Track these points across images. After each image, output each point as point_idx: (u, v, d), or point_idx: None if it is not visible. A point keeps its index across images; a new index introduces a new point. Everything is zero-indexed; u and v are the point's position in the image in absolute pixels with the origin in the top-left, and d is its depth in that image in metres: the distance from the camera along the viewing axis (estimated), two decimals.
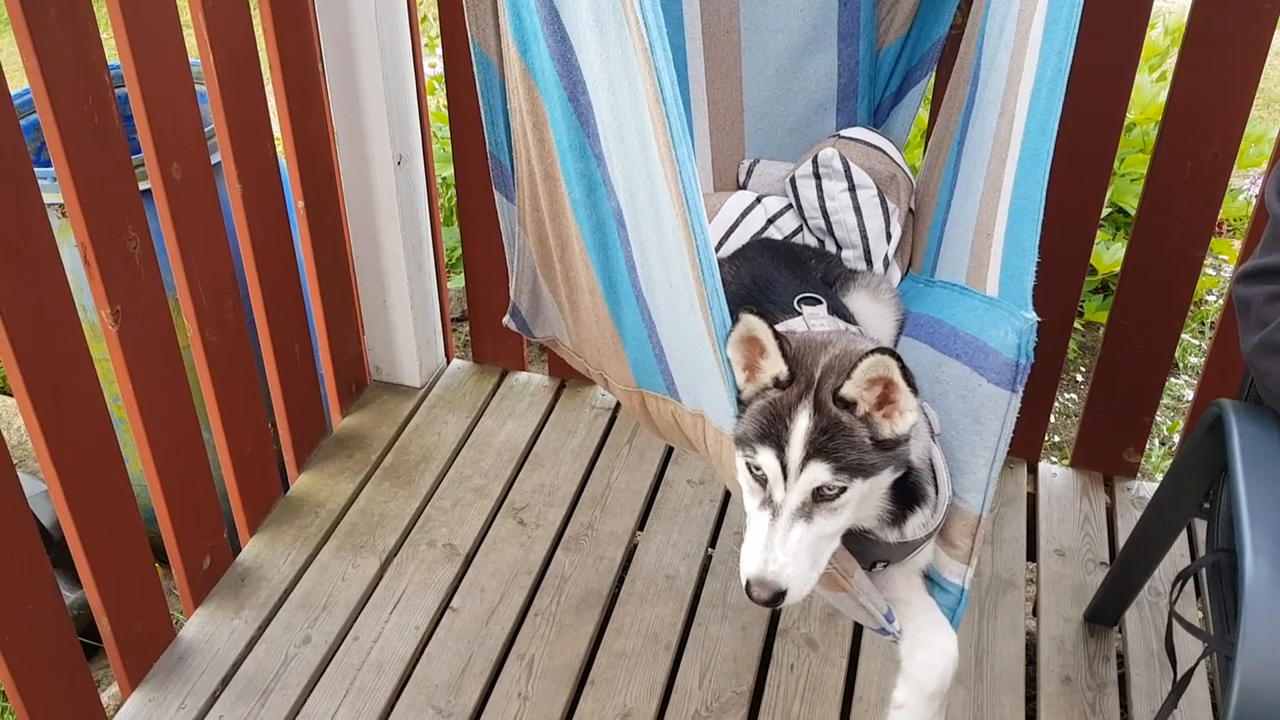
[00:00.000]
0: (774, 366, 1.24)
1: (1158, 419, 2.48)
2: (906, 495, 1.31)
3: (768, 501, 1.22)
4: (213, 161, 2.04)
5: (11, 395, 2.70)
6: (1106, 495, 2.43)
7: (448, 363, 2.84)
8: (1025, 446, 2.51)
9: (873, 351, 1.17)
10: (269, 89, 2.18)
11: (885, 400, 1.21)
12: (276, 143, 2.25)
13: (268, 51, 2.17)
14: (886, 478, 1.25)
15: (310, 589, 2.22)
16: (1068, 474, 2.48)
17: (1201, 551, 2.26)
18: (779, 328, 1.33)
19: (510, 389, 2.75)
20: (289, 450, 2.48)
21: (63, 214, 2.00)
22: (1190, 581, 1.86)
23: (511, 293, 1.84)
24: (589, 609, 2.17)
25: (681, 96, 1.90)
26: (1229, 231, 3.69)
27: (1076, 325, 3.00)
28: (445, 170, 3.27)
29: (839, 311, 1.54)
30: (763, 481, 1.23)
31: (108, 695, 2.18)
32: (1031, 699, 2.03)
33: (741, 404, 1.28)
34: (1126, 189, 3.26)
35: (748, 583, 1.20)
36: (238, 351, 2.18)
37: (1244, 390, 1.63)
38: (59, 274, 1.70)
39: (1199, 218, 2.13)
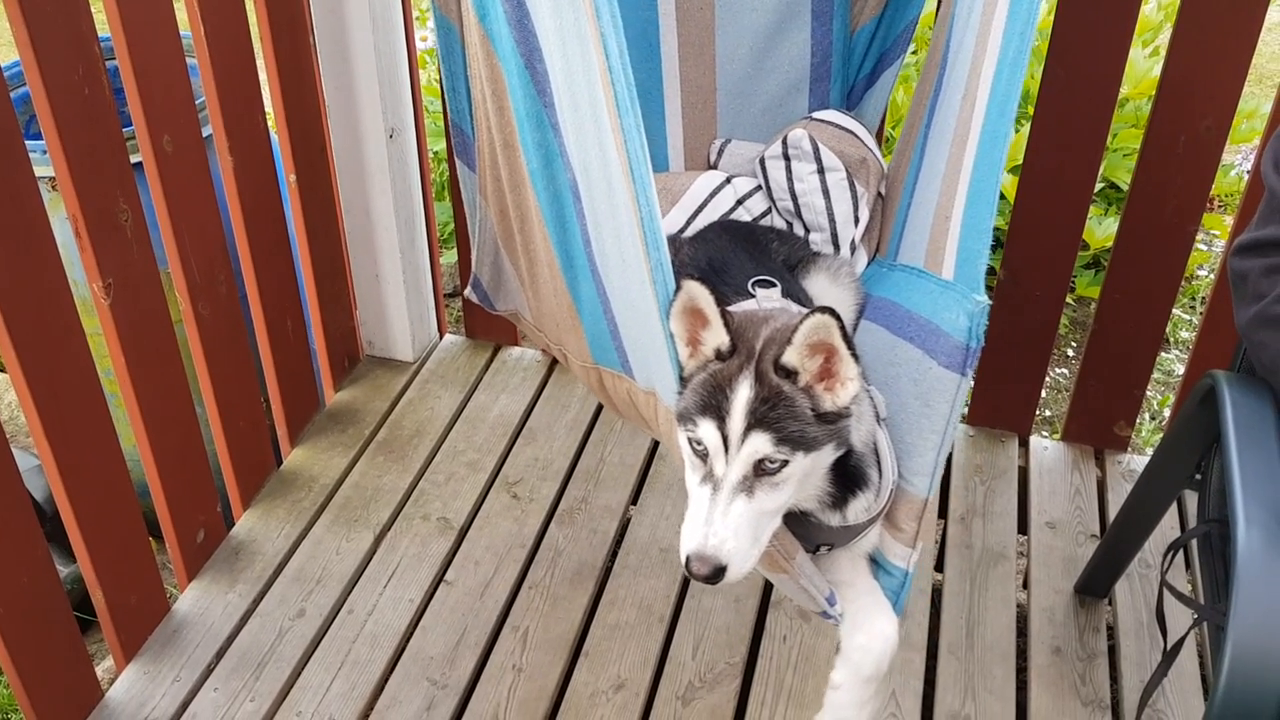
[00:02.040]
0: (716, 337, 1.23)
1: (1147, 393, 2.49)
2: (849, 479, 1.30)
3: (709, 476, 1.20)
4: (204, 134, 2.03)
5: (3, 370, 2.70)
6: (1097, 469, 2.45)
7: (440, 337, 2.84)
8: (1017, 420, 2.52)
9: (814, 311, 1.15)
10: (260, 61, 2.17)
11: (827, 373, 1.21)
12: (268, 115, 2.24)
13: (258, 23, 2.16)
14: (828, 454, 1.24)
15: (304, 563, 2.22)
16: (1059, 447, 2.50)
17: (1191, 524, 2.28)
18: (740, 309, 1.32)
19: (503, 364, 2.75)
20: (282, 424, 2.47)
21: (52, 187, 1.99)
22: (1179, 553, 1.87)
23: (473, 264, 1.84)
24: (583, 581, 2.18)
25: (654, 73, 1.92)
26: (1219, 207, 3.70)
27: (1068, 300, 3.01)
28: (437, 144, 3.26)
29: (794, 295, 1.53)
30: (704, 456, 1.21)
31: (102, 669, 2.18)
32: (1022, 670, 2.04)
33: (684, 380, 1.27)
34: (1119, 164, 3.26)
35: (687, 559, 1.18)
36: (230, 325, 2.17)
37: (1236, 363, 1.64)
38: (51, 247, 1.69)
39: (1192, 192, 2.14)
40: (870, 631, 1.37)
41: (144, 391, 1.95)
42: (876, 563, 1.45)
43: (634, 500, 2.38)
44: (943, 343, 1.31)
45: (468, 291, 1.88)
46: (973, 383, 2.70)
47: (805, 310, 1.26)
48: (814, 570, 1.37)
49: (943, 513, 2.35)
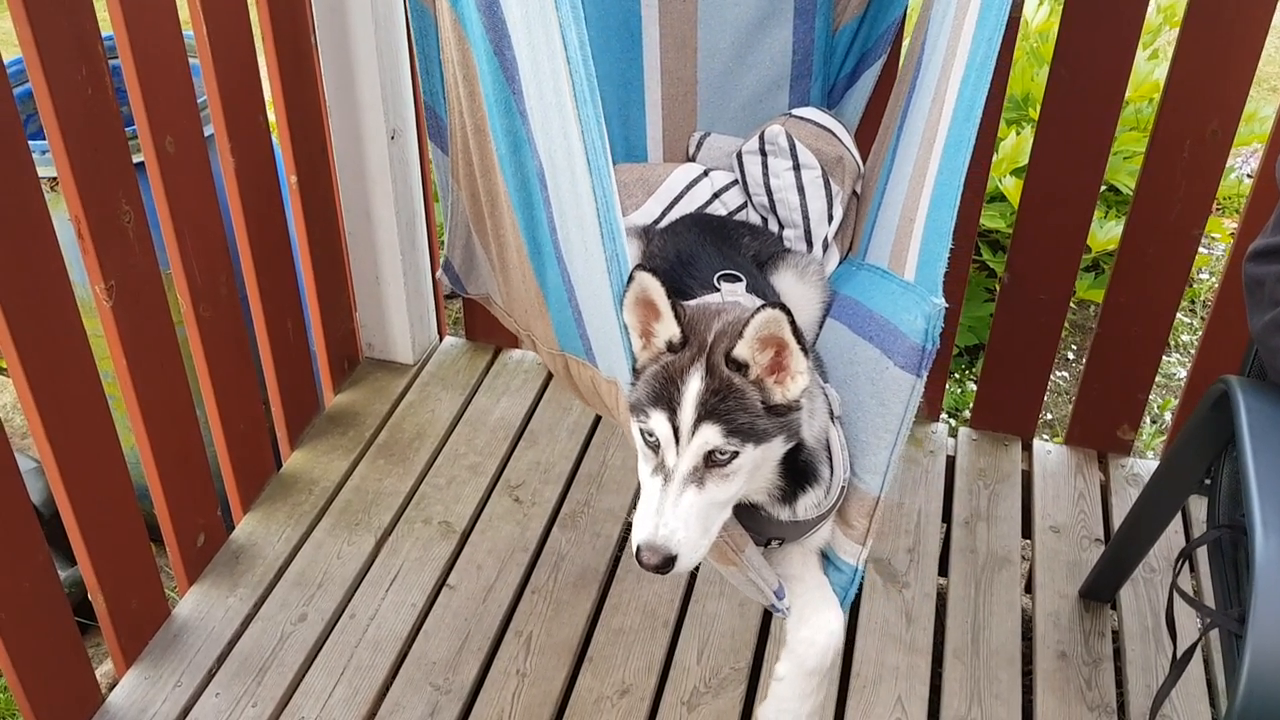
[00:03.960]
0: (668, 329, 1.24)
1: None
2: (800, 474, 1.31)
3: (660, 467, 1.22)
4: (206, 134, 2.02)
5: (3, 372, 2.68)
6: (1101, 472, 2.44)
7: (440, 339, 2.82)
8: (1020, 424, 2.51)
9: (764, 307, 1.17)
10: (262, 62, 2.16)
11: (778, 366, 1.22)
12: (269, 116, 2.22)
13: (260, 23, 2.14)
14: (778, 447, 1.25)
15: (305, 566, 2.20)
16: (1062, 451, 2.49)
17: (1195, 530, 2.28)
18: (694, 303, 1.34)
19: (504, 366, 2.74)
20: (282, 427, 2.46)
21: (52, 188, 1.97)
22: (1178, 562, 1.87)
23: (445, 247, 1.84)
24: (586, 586, 2.16)
25: (634, 64, 1.92)
26: (1217, 210, 3.71)
27: None
28: None
29: (760, 290, 1.54)
30: (655, 447, 1.23)
31: (100, 672, 2.16)
32: (1028, 674, 2.04)
33: (637, 372, 1.28)
34: (1119, 167, 3.26)
35: (638, 548, 1.20)
36: (231, 327, 2.16)
37: (1246, 367, 1.64)
38: (53, 248, 1.68)
39: (1197, 196, 2.13)
40: (815, 625, 1.39)
41: (145, 394, 1.93)
42: (827, 559, 1.46)
43: (635, 505, 2.36)
44: (900, 343, 1.32)
45: (439, 274, 1.89)
46: (975, 386, 2.71)
47: (758, 304, 1.27)
48: (763, 563, 1.39)
49: (946, 517, 2.34)
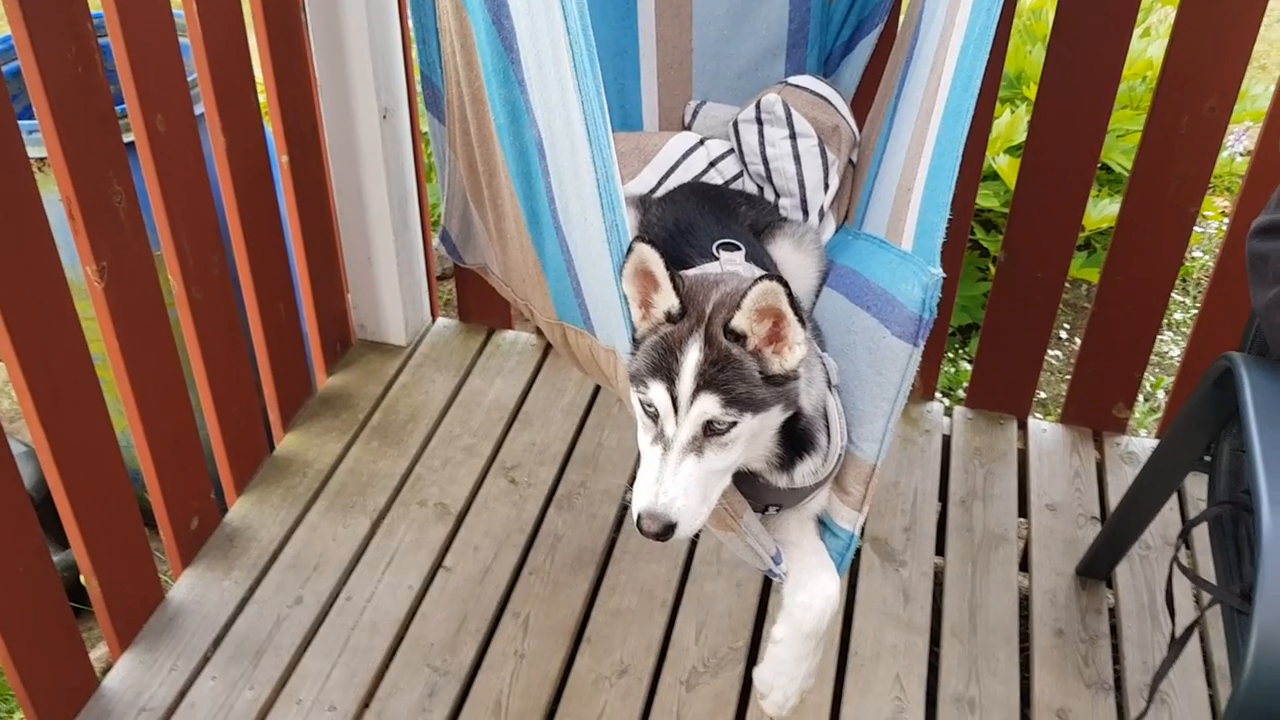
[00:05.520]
0: (666, 300, 1.25)
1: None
2: (797, 442, 1.32)
3: (659, 437, 1.23)
4: (196, 114, 1.99)
5: None
6: (1096, 450, 2.45)
7: (433, 321, 2.81)
8: (1015, 403, 2.51)
9: (762, 279, 1.17)
10: (252, 41, 2.13)
11: (775, 337, 1.22)
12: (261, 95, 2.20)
13: (250, 1, 2.12)
14: (776, 416, 1.26)
15: (300, 549, 2.19)
16: (1058, 430, 2.49)
17: (1192, 509, 2.28)
18: (692, 272, 1.34)
19: (497, 347, 2.72)
20: (274, 410, 2.44)
21: (41, 168, 1.95)
22: (1181, 536, 1.87)
23: (442, 217, 1.83)
24: (583, 567, 2.16)
25: (630, 32, 1.91)
26: (1210, 189, 3.70)
27: None
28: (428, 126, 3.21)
29: (758, 259, 1.54)
30: (654, 417, 1.24)
31: (95, 656, 2.14)
32: (1025, 652, 2.04)
33: (636, 342, 1.29)
34: (1113, 145, 3.25)
35: (639, 516, 1.21)
36: (223, 308, 2.14)
37: (1246, 344, 1.63)
38: (44, 229, 1.66)
39: (1194, 173, 2.13)
40: (812, 590, 1.40)
41: (137, 376, 1.92)
42: (824, 525, 1.47)
43: (633, 484, 2.35)
44: (897, 313, 1.33)
45: (436, 244, 1.88)
46: (969, 365, 2.71)
47: (757, 274, 1.28)
48: (760, 530, 1.40)
49: (942, 496, 2.34)
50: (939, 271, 1.26)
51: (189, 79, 1.95)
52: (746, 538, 1.37)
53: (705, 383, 1.20)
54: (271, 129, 2.28)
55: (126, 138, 1.83)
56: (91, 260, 1.77)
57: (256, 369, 2.37)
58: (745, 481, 1.36)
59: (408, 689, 1.94)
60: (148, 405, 1.95)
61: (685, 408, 1.21)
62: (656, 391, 1.22)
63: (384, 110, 2.39)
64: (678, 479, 1.20)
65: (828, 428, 1.36)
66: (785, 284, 1.17)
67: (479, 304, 2.75)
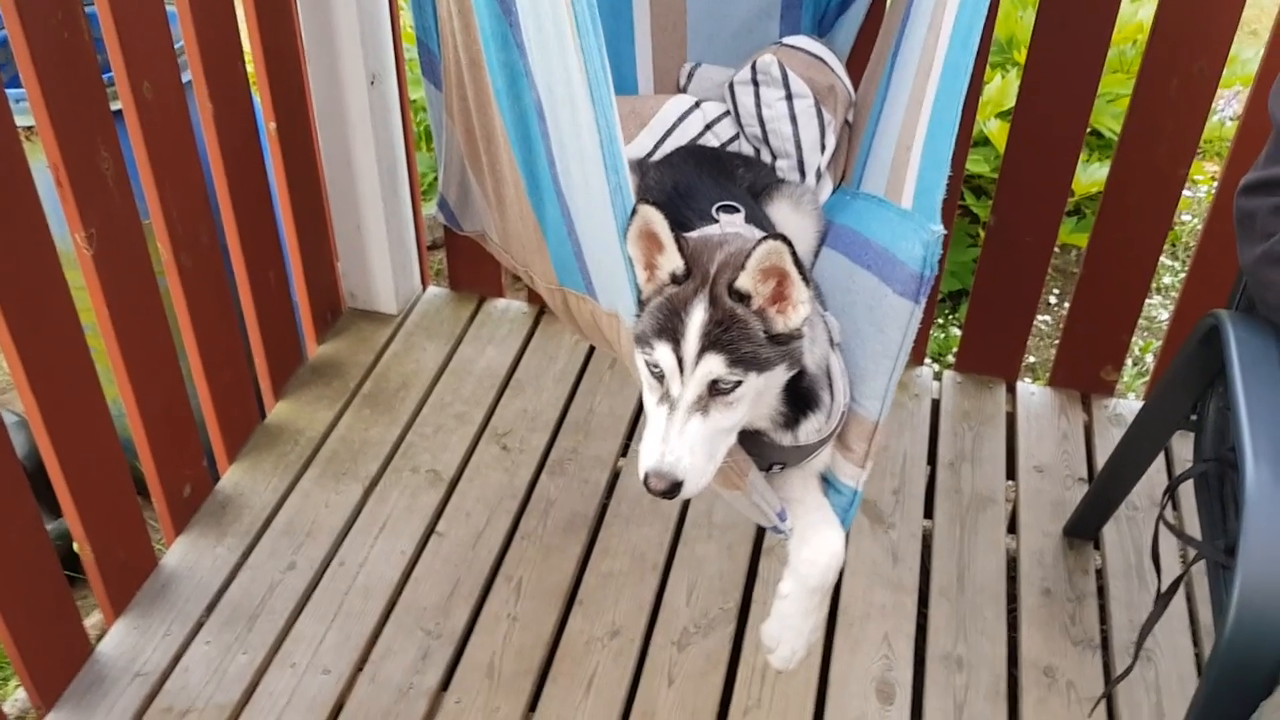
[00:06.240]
0: (671, 262, 1.25)
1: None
2: (801, 400, 1.33)
3: (665, 397, 1.24)
4: (184, 81, 1.98)
5: None
6: (1084, 413, 2.46)
7: (424, 289, 2.81)
8: (1003, 366, 2.53)
9: (766, 238, 1.18)
10: (239, 8, 2.12)
11: (779, 296, 1.23)
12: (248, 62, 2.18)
13: None
14: (780, 375, 1.27)
15: (293, 516, 2.20)
16: (1046, 393, 2.51)
17: (1177, 467, 2.30)
18: (695, 234, 1.34)
19: (489, 315, 2.72)
20: (265, 378, 2.44)
21: (28, 137, 1.94)
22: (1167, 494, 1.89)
23: (440, 184, 1.82)
24: (575, 531, 2.17)
25: None
26: (1199, 153, 3.70)
27: None
28: (417, 92, 3.19)
29: (758, 220, 1.55)
30: (660, 377, 1.24)
31: (89, 623, 2.16)
32: (1013, 611, 2.06)
33: (641, 304, 1.29)
34: (1102, 110, 3.25)
35: (645, 475, 1.22)
36: (213, 276, 2.13)
37: (1234, 302, 1.64)
38: (33, 198, 1.65)
39: (1183, 136, 2.13)
40: (817, 545, 1.42)
41: (128, 344, 1.91)
42: (828, 482, 1.49)
43: (624, 451, 2.37)
44: (898, 271, 1.33)
45: (434, 211, 1.87)
46: (959, 331, 2.72)
47: (759, 235, 1.28)
48: (765, 487, 1.41)
49: (931, 459, 2.36)
50: (940, 228, 1.26)
51: (176, 46, 1.94)
52: (752, 495, 1.38)
53: (710, 343, 1.21)
54: (259, 95, 2.27)
55: (114, 106, 1.82)
56: (80, 227, 1.76)
57: (247, 337, 2.37)
58: (750, 440, 1.37)
59: (401, 652, 1.95)
60: (138, 373, 1.96)
61: (691, 368, 1.21)
62: (662, 352, 1.22)
63: (371, 75, 2.38)
64: (684, 438, 1.21)
65: (831, 386, 1.37)
66: (789, 243, 1.18)
67: (470, 272, 2.75)
